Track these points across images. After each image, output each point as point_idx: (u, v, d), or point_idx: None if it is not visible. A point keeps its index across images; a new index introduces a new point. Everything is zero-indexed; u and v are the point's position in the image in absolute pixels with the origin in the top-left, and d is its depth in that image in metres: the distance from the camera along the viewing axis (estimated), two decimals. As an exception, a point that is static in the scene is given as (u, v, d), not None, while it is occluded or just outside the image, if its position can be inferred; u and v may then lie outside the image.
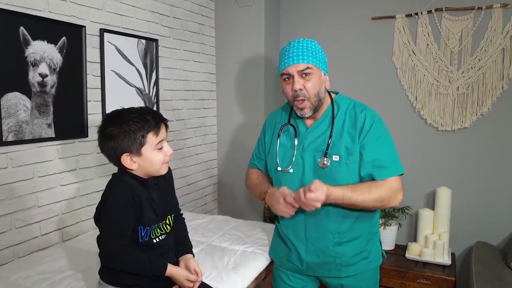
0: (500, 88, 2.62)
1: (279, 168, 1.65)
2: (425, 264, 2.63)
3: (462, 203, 2.75)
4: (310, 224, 1.61)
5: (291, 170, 1.62)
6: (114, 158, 1.29)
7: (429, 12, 2.74)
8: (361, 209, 1.54)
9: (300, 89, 1.53)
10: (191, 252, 1.49)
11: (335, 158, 1.54)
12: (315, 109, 1.57)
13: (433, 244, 2.63)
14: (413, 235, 2.88)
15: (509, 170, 2.65)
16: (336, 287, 1.67)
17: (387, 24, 2.87)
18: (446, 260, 2.61)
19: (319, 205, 1.41)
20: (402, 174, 1.56)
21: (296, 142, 1.63)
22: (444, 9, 2.69)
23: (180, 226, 1.53)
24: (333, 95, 1.66)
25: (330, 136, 1.56)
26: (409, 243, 2.81)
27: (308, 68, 1.52)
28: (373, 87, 2.94)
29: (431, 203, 2.80)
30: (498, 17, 2.59)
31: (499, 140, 2.66)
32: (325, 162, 1.54)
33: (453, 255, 2.73)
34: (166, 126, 1.34)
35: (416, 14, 2.77)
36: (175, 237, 1.48)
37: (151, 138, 1.27)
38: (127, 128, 1.24)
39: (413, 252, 2.71)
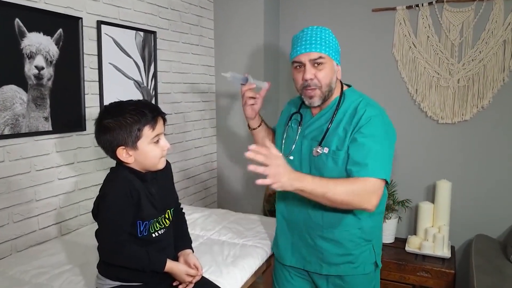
0: (501, 81, 2.61)
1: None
2: (425, 257, 2.63)
3: (462, 196, 2.75)
4: (299, 209, 1.62)
5: (291, 157, 1.62)
6: (110, 151, 1.27)
7: (430, 3, 2.71)
8: (332, 204, 1.44)
9: (311, 78, 1.50)
10: (190, 247, 1.48)
11: (325, 150, 1.52)
12: (325, 99, 1.55)
13: (433, 237, 2.63)
14: (413, 228, 2.88)
15: (509, 163, 2.64)
16: (323, 286, 1.66)
17: (387, 16, 2.84)
18: (446, 253, 2.61)
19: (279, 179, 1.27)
20: (386, 181, 1.47)
21: (299, 130, 1.63)
22: (445, 0, 2.67)
23: (179, 221, 1.52)
24: (345, 87, 1.63)
25: (328, 126, 1.55)
26: (409, 236, 2.81)
27: (320, 57, 1.49)
28: (373, 80, 2.92)
29: (431, 196, 2.79)
30: (499, 8, 2.56)
31: (499, 133, 2.65)
32: (318, 151, 1.53)
33: (453, 248, 2.73)
34: (164, 120, 1.32)
35: (417, 5, 2.74)
36: (174, 232, 1.47)
37: (147, 131, 1.26)
38: (123, 120, 1.23)
39: (413, 245, 2.71)
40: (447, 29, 2.69)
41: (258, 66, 2.99)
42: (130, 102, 1.28)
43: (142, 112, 1.25)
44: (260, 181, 1.26)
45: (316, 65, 1.50)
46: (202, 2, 2.95)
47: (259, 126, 1.83)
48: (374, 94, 2.94)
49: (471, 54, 2.65)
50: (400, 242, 2.83)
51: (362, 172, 1.43)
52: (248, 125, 1.84)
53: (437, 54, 2.73)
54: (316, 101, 1.55)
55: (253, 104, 1.77)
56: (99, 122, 1.26)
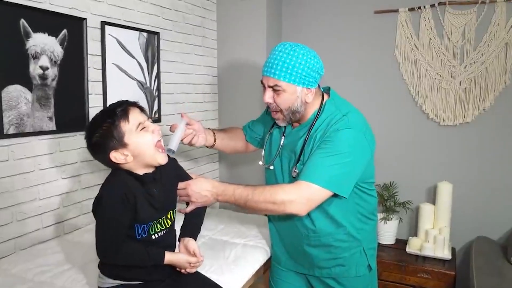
0: (502, 83, 2.61)
1: (260, 163, 1.71)
2: (426, 258, 2.64)
3: (463, 198, 2.75)
4: (283, 219, 1.64)
5: (271, 167, 1.66)
6: (106, 161, 1.28)
7: (432, 6, 2.72)
8: (258, 213, 1.52)
9: (270, 102, 1.52)
10: (193, 237, 1.46)
11: (298, 171, 1.52)
12: (290, 121, 1.56)
13: (434, 239, 2.64)
14: (414, 230, 2.89)
15: (510, 165, 2.64)
16: (320, 286, 1.68)
17: (389, 18, 2.85)
18: (446, 254, 2.61)
19: (193, 198, 1.45)
20: (331, 191, 1.42)
21: (282, 141, 1.63)
22: (447, 3, 2.67)
23: (196, 213, 1.52)
24: (326, 97, 1.58)
25: (304, 144, 1.53)
26: (410, 237, 2.81)
27: (276, 85, 1.47)
28: (375, 81, 2.93)
29: (432, 198, 2.80)
30: (501, 11, 2.57)
31: (501, 135, 2.65)
32: (296, 171, 1.54)
33: (453, 249, 2.74)
34: (139, 108, 1.31)
35: (419, 8, 2.75)
36: (184, 221, 1.49)
37: (124, 126, 1.24)
38: (102, 130, 1.24)
39: (414, 246, 2.71)
40: (449, 31, 2.70)
41: (260, 67, 2.99)
42: (102, 110, 1.31)
43: (112, 112, 1.25)
44: (182, 210, 1.49)
45: (274, 90, 1.49)
46: (205, 4, 2.97)
47: (215, 141, 1.83)
48: (376, 96, 2.96)
49: (473, 56, 2.66)
50: (401, 243, 2.83)
51: (301, 176, 1.44)
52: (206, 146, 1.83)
53: (439, 56, 2.74)
54: (281, 123, 1.58)
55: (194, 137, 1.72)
56: (88, 143, 1.28)
